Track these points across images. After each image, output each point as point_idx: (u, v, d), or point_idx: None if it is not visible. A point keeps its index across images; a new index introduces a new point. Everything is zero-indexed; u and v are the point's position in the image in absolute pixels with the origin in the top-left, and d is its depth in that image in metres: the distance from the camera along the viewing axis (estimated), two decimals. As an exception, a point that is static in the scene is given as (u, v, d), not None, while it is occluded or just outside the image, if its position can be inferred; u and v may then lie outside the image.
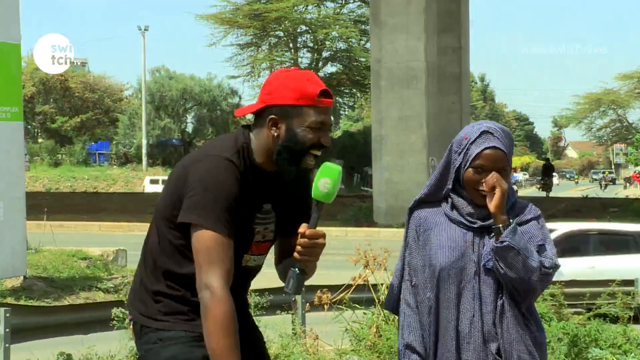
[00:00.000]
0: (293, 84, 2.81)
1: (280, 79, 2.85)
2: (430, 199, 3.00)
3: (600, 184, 56.77)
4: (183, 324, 2.83)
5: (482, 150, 2.87)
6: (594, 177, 65.53)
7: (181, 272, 2.84)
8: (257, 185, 2.84)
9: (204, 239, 2.72)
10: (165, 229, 2.85)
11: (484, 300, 2.89)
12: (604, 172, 68.85)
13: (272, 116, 2.81)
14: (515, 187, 3.10)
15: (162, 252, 2.87)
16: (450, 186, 2.96)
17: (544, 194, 37.78)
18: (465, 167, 2.89)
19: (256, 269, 3.00)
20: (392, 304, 3.05)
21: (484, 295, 2.89)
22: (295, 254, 2.79)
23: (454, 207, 2.95)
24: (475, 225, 2.91)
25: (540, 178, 41.05)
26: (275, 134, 2.81)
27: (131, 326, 2.95)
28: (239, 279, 2.86)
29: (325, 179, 2.75)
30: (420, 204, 3.01)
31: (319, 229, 2.78)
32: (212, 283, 2.69)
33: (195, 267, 2.74)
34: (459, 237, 2.91)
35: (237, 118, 56.25)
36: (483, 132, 2.89)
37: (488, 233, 2.90)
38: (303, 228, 2.77)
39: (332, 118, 2.87)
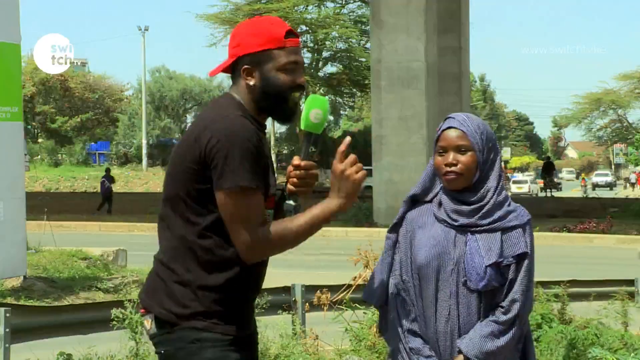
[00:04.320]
0: (258, 30, 2.78)
1: (244, 29, 2.81)
2: (422, 198, 3.01)
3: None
4: (220, 326, 2.73)
5: (441, 132, 2.96)
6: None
7: (228, 254, 2.72)
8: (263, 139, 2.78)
9: (237, 199, 2.62)
10: (190, 211, 2.71)
11: (461, 298, 2.87)
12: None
13: (246, 66, 2.77)
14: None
15: (201, 238, 2.71)
16: (440, 184, 2.98)
17: (547, 193, 37.76)
18: (434, 155, 2.97)
19: None
20: (378, 297, 2.98)
21: (461, 293, 2.87)
22: (290, 186, 2.79)
23: (440, 205, 2.95)
24: (457, 223, 2.90)
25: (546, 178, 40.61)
26: (252, 83, 2.77)
27: (149, 319, 2.78)
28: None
29: (317, 110, 2.75)
30: (414, 203, 3.01)
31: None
32: (249, 238, 2.63)
33: (230, 232, 2.65)
34: (440, 235, 2.91)
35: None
36: (445, 119, 3.00)
37: (470, 230, 2.89)
38: (297, 160, 2.76)
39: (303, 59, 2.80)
